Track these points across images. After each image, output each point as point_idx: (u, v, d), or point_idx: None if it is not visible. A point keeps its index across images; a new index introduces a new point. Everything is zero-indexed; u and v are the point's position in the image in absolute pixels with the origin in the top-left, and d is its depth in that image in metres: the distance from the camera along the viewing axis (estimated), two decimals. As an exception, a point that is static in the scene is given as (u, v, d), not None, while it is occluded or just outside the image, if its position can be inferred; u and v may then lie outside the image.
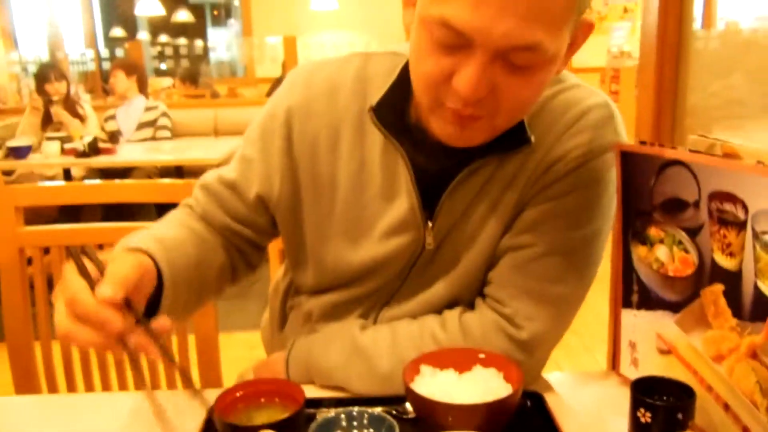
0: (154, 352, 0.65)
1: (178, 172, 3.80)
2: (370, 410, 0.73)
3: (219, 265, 0.89)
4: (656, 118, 2.00)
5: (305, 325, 0.96)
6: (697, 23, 2.32)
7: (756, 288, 0.65)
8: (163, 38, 11.47)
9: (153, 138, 4.16)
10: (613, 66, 7.04)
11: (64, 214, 3.28)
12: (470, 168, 0.80)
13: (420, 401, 0.71)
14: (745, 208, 0.65)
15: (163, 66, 8.64)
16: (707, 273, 0.72)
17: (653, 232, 0.79)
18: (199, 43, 10.39)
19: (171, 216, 0.91)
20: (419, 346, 0.82)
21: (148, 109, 4.20)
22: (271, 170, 0.87)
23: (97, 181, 1.29)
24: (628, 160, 0.81)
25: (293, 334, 0.97)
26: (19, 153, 3.44)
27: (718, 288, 0.70)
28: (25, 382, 1.26)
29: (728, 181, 0.67)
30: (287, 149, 0.86)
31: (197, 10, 12.42)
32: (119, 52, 5.53)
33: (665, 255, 0.78)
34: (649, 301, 0.82)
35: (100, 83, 6.46)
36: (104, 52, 6.04)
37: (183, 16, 9.95)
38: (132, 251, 0.74)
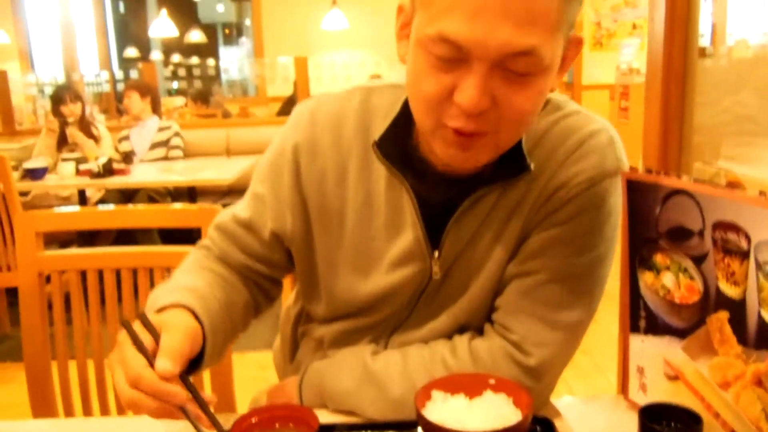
0: (207, 422, 0.69)
1: (190, 192, 3.84)
2: (382, 435, 0.75)
3: (243, 303, 0.92)
4: (663, 136, 2.01)
5: (317, 352, 0.98)
6: (705, 39, 2.33)
7: (760, 317, 0.66)
8: (176, 58, 11.62)
9: (166, 158, 4.20)
10: (623, 82, 7.06)
11: (81, 233, 3.32)
12: (474, 197, 0.82)
13: (431, 428, 0.72)
14: (748, 238, 0.66)
15: (175, 84, 8.74)
16: (712, 300, 0.73)
17: (659, 259, 0.81)
18: (210, 62, 10.52)
19: (192, 261, 0.93)
20: (430, 371, 0.84)
21: (161, 129, 4.25)
22: (282, 206, 0.89)
23: (112, 207, 1.32)
24: (635, 187, 0.83)
25: (305, 359, 0.99)
26: (35, 174, 3.49)
27: (724, 315, 0.71)
28: (42, 403, 1.29)
29: (731, 211, 0.68)
30: (297, 185, 0.89)
31: (209, 30, 12.59)
32: (133, 74, 5.59)
33: (671, 282, 0.79)
34: (656, 327, 0.84)
35: (114, 104, 6.55)
36: (118, 74, 6.11)
37: (196, 36, 10.09)
38: (178, 308, 0.76)
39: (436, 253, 0.85)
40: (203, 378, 1.26)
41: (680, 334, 0.79)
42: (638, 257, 0.85)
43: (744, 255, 0.67)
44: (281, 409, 0.79)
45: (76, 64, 5.11)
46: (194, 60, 10.91)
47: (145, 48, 12.10)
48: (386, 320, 0.92)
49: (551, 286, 0.83)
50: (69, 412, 1.31)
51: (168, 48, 11.93)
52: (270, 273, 0.94)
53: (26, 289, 1.26)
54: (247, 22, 12.80)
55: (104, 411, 1.30)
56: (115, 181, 3.50)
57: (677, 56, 1.80)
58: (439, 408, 0.76)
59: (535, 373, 0.83)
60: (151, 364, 0.68)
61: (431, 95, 0.72)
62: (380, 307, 0.90)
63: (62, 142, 4.09)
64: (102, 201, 3.94)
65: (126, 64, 10.91)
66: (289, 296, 1.10)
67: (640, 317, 0.86)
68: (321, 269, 0.92)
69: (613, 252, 0.87)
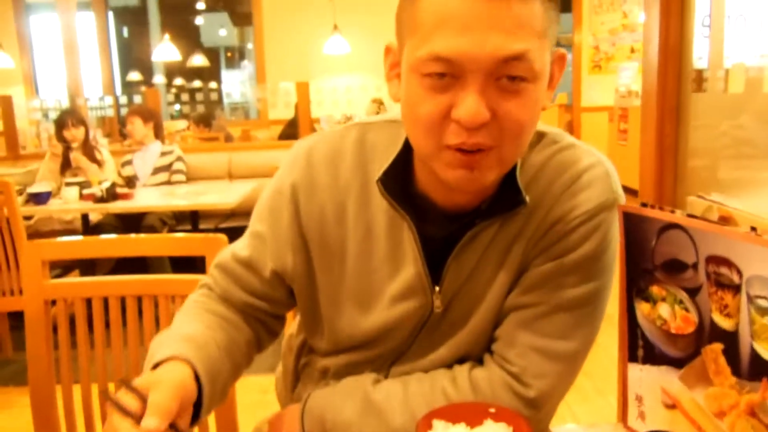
0: None
1: (192, 215, 3.87)
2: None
3: (246, 341, 0.93)
4: (659, 161, 2.04)
5: (320, 382, 0.99)
6: (703, 62, 2.37)
7: (752, 349, 0.68)
8: (178, 81, 11.73)
9: (169, 182, 4.23)
10: (621, 105, 7.12)
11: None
12: (473, 232, 0.84)
13: (433, 457, 0.74)
14: (740, 272, 0.68)
15: (177, 107, 8.82)
16: (707, 332, 0.75)
17: (656, 290, 0.83)
18: (213, 85, 10.63)
19: (193, 303, 0.95)
20: (430, 402, 0.85)
21: (163, 153, 4.29)
22: (282, 245, 0.91)
23: (114, 236, 1.34)
24: (631, 220, 0.85)
25: (307, 389, 1.00)
26: (39, 199, 3.52)
27: (718, 347, 0.73)
28: (45, 427, 1.29)
29: (723, 246, 0.70)
30: (296, 224, 0.90)
31: (212, 53, 12.72)
32: (137, 98, 5.65)
33: (667, 313, 0.81)
34: (653, 357, 0.85)
35: (117, 128, 6.61)
36: (122, 99, 6.18)
37: (198, 60, 10.19)
38: (175, 361, 0.76)
39: (437, 288, 0.87)
40: (206, 405, 1.27)
41: (677, 363, 0.81)
42: (635, 288, 0.86)
43: (736, 289, 0.69)
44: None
45: (80, 89, 5.16)
46: (197, 83, 11.01)
47: (148, 71, 12.22)
48: (388, 353, 0.93)
49: (550, 318, 0.84)
50: (72, 436, 1.32)
51: (170, 71, 12.05)
52: (272, 310, 0.96)
53: (32, 316, 1.28)
54: (249, 45, 12.92)
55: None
56: (118, 206, 3.53)
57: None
58: (441, 437, 0.77)
59: (535, 404, 0.85)
60: (138, 425, 0.68)
61: (429, 117, 0.74)
62: (382, 340, 0.91)
63: (66, 166, 4.13)
64: (99, 225, 3.96)
65: (129, 87, 11.01)
66: (290, 324, 1.12)
67: (638, 347, 0.88)
68: (323, 305, 0.93)
69: (611, 282, 0.88)
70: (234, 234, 1.14)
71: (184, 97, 8.81)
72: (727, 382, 0.72)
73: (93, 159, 4.12)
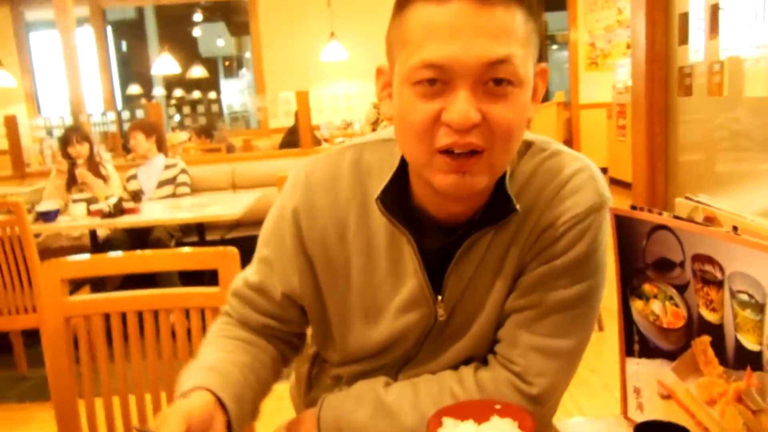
0: None
1: (198, 227, 3.92)
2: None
3: (271, 359, 0.99)
4: (650, 157, 2.08)
5: (333, 388, 1.04)
6: (699, 55, 2.41)
7: (736, 340, 0.73)
8: (178, 92, 11.79)
9: (173, 195, 4.27)
10: (619, 101, 7.16)
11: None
12: (469, 241, 0.88)
13: (443, 453, 0.78)
14: (722, 269, 0.73)
15: (177, 117, 8.87)
16: (696, 325, 0.80)
17: (648, 288, 0.88)
18: (212, 95, 10.69)
19: (215, 332, 1.01)
20: (439, 402, 0.89)
21: (167, 167, 4.33)
22: (288, 269, 0.96)
23: (129, 253, 1.39)
24: (623, 222, 0.90)
25: (321, 395, 1.05)
26: (47, 217, 3.57)
27: (706, 339, 0.78)
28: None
29: (707, 245, 0.75)
30: (300, 247, 0.95)
31: (210, 64, 12.78)
32: (139, 112, 5.70)
33: (659, 309, 0.86)
34: (648, 351, 0.90)
35: (120, 142, 6.65)
36: (124, 113, 6.23)
37: (197, 72, 10.25)
38: (199, 391, 0.83)
39: (440, 297, 0.92)
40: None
41: (670, 356, 0.86)
42: (630, 287, 0.92)
43: (719, 284, 0.74)
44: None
45: (83, 105, 5.21)
46: (196, 94, 11.07)
47: (147, 84, 12.29)
48: (396, 360, 0.98)
49: (547, 317, 0.89)
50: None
51: (170, 83, 12.11)
52: (288, 329, 1.01)
53: (51, 334, 1.32)
54: (247, 54, 12.99)
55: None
56: (125, 221, 3.58)
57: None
58: (450, 434, 0.82)
59: (539, 400, 0.90)
60: None
61: (421, 123, 0.78)
62: (390, 349, 0.96)
63: (71, 182, 4.19)
64: (108, 240, 4.01)
65: (130, 101, 11.08)
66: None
67: (634, 342, 0.93)
68: (333, 321, 0.98)
69: (603, 280, 0.93)
70: (241, 244, 1.18)
71: (186, 109, 8.86)
72: (716, 372, 0.77)
73: (98, 174, 4.18)
